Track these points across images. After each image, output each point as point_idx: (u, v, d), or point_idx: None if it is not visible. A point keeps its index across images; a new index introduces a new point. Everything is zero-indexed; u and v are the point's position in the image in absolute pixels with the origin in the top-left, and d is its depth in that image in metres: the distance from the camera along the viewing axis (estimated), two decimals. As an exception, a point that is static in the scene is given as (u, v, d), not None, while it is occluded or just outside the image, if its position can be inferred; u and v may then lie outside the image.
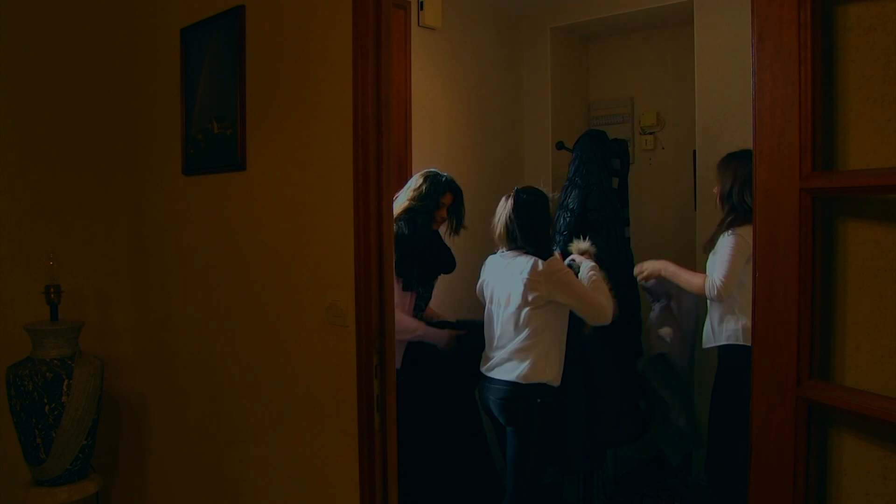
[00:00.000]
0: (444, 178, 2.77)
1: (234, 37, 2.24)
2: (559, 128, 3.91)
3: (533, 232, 2.65)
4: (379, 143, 1.82)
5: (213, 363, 2.46)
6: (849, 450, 1.13)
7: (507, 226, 2.67)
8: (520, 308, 2.59)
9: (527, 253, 2.63)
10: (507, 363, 2.62)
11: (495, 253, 2.79)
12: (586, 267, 2.73)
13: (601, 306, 2.59)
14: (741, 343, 2.61)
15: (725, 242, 2.63)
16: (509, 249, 2.69)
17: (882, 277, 1.08)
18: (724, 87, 3.25)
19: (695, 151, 3.44)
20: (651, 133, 3.99)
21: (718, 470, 2.73)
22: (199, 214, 2.50)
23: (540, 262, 2.56)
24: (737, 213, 2.64)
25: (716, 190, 2.75)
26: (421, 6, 3.21)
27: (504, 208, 2.70)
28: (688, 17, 3.42)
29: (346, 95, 1.84)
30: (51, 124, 2.66)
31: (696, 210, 3.44)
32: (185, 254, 2.58)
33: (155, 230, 2.73)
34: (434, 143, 3.34)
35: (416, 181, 2.77)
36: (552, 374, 2.60)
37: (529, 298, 2.55)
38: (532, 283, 2.54)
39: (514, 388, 2.59)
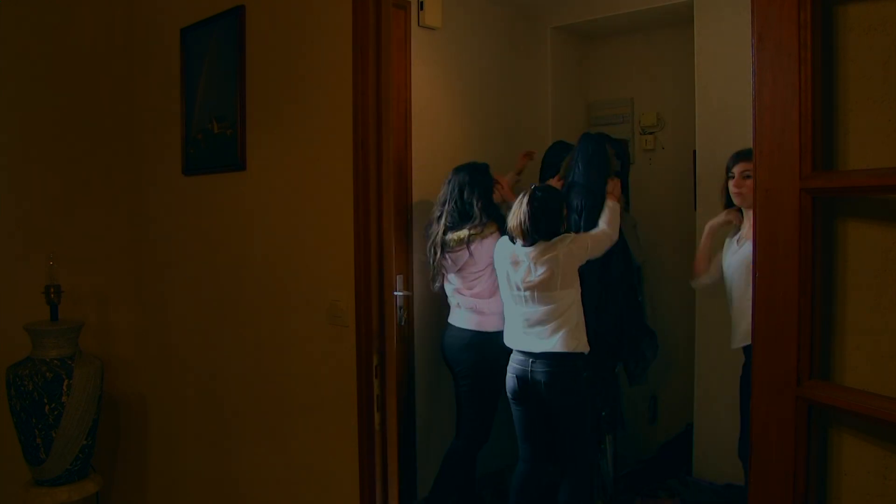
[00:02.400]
0: None
1: (234, 37, 2.24)
2: (559, 128, 3.91)
3: (548, 228, 2.75)
4: (379, 143, 1.82)
5: (212, 363, 2.46)
6: (849, 450, 1.13)
7: (522, 222, 2.74)
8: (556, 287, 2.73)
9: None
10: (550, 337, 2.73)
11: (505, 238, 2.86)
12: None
13: (606, 238, 2.86)
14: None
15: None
16: (527, 244, 2.75)
17: (882, 277, 1.08)
18: (724, 87, 3.24)
19: (695, 151, 3.43)
20: (651, 133, 3.98)
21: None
22: (199, 214, 2.50)
23: (559, 243, 2.72)
24: None
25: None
26: (421, 6, 3.20)
27: (520, 206, 2.76)
28: (688, 17, 3.41)
29: (346, 95, 1.84)
30: (50, 125, 2.66)
31: (696, 210, 3.43)
32: (185, 254, 2.58)
33: (155, 230, 2.73)
34: (434, 143, 3.34)
35: None
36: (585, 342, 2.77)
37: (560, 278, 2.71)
38: (566, 257, 2.71)
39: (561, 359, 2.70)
